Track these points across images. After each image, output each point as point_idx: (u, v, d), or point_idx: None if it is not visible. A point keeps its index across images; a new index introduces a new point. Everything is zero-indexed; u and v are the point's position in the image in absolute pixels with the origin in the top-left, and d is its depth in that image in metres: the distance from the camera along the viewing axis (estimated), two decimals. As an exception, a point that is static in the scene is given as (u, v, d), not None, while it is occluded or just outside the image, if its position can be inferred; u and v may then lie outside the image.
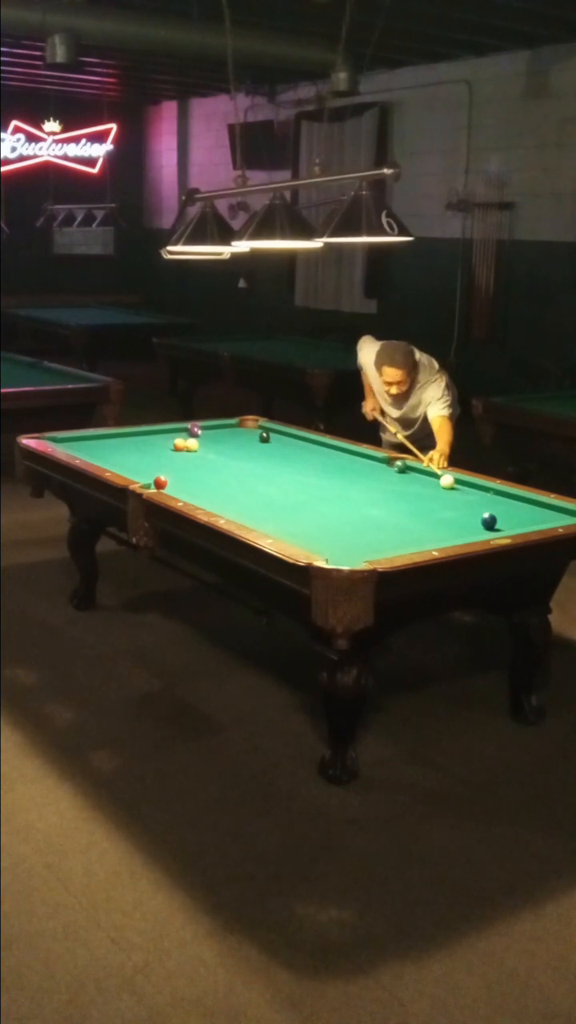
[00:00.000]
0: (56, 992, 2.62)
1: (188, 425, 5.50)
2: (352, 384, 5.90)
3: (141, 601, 5.24)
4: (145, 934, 2.84)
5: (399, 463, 4.82)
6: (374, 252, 10.72)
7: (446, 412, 5.14)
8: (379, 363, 5.18)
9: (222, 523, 3.66)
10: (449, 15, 8.01)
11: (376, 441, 5.61)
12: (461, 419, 5.49)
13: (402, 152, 10.42)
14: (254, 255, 4.85)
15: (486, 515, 3.77)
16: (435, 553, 3.40)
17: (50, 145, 13.23)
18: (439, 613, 4.51)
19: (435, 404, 5.16)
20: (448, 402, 5.19)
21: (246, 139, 10.16)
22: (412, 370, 5.13)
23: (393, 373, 5.10)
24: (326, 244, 4.26)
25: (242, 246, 4.29)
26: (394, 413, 5.41)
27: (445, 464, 4.85)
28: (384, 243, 4.25)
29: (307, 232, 4.16)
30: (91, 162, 13.56)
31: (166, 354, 9.51)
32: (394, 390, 5.17)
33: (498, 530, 3.72)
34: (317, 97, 11.13)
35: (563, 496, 4.13)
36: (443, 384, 5.19)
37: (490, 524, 3.74)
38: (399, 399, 5.27)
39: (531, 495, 4.21)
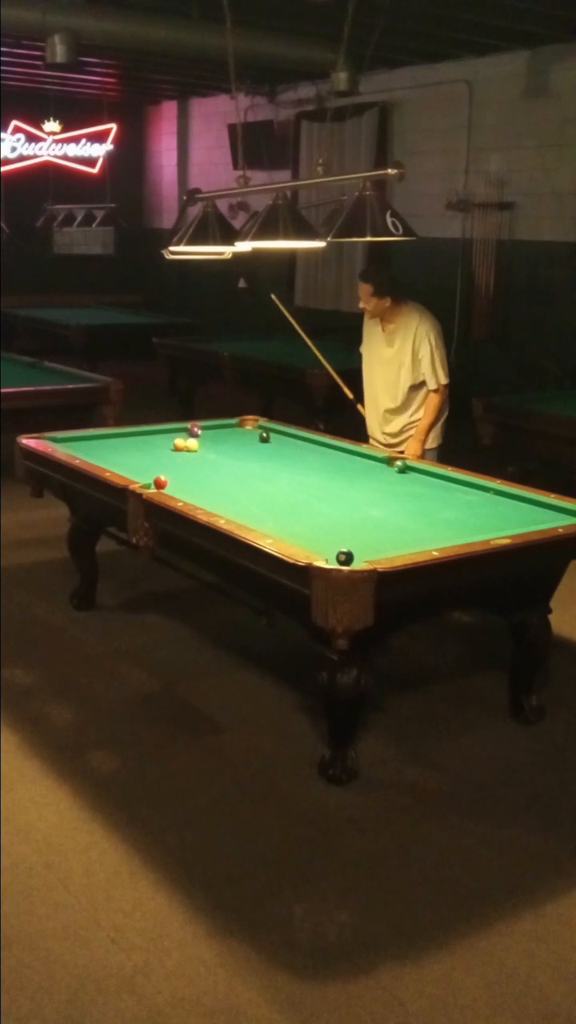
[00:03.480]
0: (56, 992, 2.62)
1: (188, 425, 5.49)
2: (353, 384, 5.90)
3: (141, 601, 5.24)
4: (145, 934, 2.84)
5: (399, 463, 4.82)
6: (375, 252, 10.71)
7: (434, 385, 5.38)
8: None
9: (222, 523, 3.66)
10: (449, 15, 7.99)
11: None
12: (461, 419, 5.51)
13: (402, 152, 10.40)
14: (254, 255, 4.85)
15: (342, 555, 3.25)
16: (435, 553, 3.40)
17: (50, 145, 13.21)
18: (439, 613, 4.50)
19: (429, 375, 5.39)
20: (438, 374, 5.38)
21: (246, 139, 10.15)
22: (380, 288, 5.38)
23: (360, 288, 5.41)
24: (326, 244, 4.26)
25: (245, 246, 4.28)
26: (385, 354, 5.50)
27: (418, 452, 5.20)
28: (385, 241, 4.25)
29: (310, 232, 4.16)
30: (91, 162, 13.55)
31: (166, 354, 9.49)
32: (362, 304, 5.44)
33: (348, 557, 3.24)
34: (317, 97, 11.12)
35: (563, 496, 4.13)
36: (433, 344, 5.39)
37: (346, 561, 3.24)
38: (384, 323, 5.47)
39: (531, 495, 4.21)
